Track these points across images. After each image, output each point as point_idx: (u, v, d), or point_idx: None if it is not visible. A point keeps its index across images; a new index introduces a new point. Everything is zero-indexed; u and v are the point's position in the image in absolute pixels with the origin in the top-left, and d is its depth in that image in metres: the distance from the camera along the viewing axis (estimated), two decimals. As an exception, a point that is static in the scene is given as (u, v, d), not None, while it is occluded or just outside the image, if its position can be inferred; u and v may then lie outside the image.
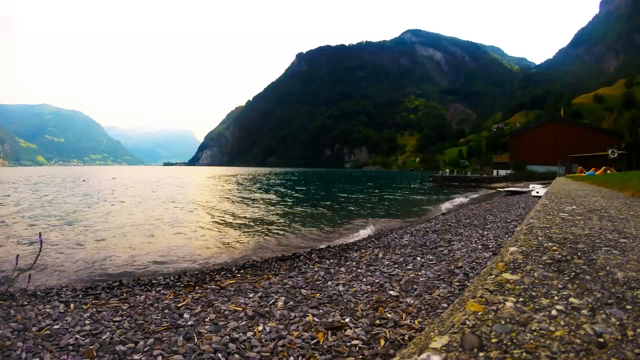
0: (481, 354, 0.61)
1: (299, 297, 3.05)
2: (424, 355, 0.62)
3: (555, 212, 2.54)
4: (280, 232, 8.77)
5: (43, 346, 2.26)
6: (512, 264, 1.16)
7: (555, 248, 1.39)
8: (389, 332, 2.20)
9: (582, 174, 19.41)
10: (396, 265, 4.00)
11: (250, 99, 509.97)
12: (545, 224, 1.99)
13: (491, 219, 7.32)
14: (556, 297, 0.87)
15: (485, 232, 5.69)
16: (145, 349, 2.18)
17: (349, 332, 2.24)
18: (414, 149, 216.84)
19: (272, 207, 14.77)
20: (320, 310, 2.66)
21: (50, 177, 46.62)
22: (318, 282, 3.54)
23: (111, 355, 2.12)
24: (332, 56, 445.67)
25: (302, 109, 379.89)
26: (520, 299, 0.86)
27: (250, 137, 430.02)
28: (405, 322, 2.33)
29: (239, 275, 4.32)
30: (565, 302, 0.84)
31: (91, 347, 2.23)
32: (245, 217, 11.57)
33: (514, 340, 0.66)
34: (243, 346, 2.15)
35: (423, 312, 2.49)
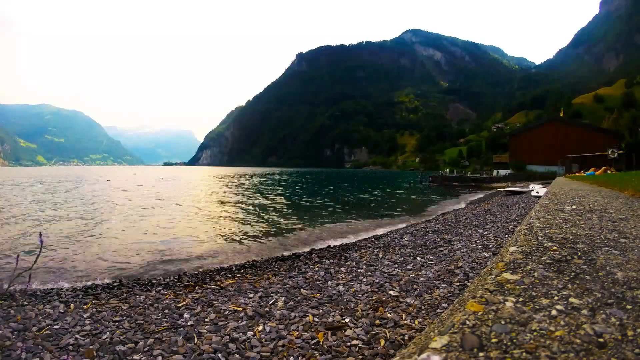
0: (481, 354, 0.61)
1: (299, 297, 3.05)
2: (424, 355, 0.62)
3: (555, 212, 2.54)
4: (280, 232, 8.77)
5: (43, 346, 2.26)
6: (512, 264, 1.16)
7: (555, 248, 1.39)
8: (389, 332, 2.20)
9: (582, 174, 19.42)
10: (396, 265, 4.00)
11: (250, 99, 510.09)
12: (545, 224, 1.99)
13: (491, 219, 7.32)
14: (556, 297, 0.87)
15: (485, 232, 5.69)
16: (145, 349, 2.18)
17: (349, 332, 2.24)
18: (414, 149, 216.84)
19: (272, 207, 14.77)
20: (320, 310, 2.66)
21: (51, 177, 46.63)
22: (318, 282, 3.54)
23: (111, 355, 2.12)
24: (332, 56, 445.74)
25: (302, 109, 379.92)
26: (520, 299, 0.86)
27: (250, 137, 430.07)
28: (405, 322, 2.33)
29: (239, 275, 4.32)
30: (565, 302, 0.84)
31: (91, 347, 2.23)
32: (245, 217, 11.57)
33: (514, 340, 0.66)
34: (243, 346, 2.15)
35: (423, 312, 2.49)
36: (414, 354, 0.65)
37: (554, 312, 0.78)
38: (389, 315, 2.46)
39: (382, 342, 2.07)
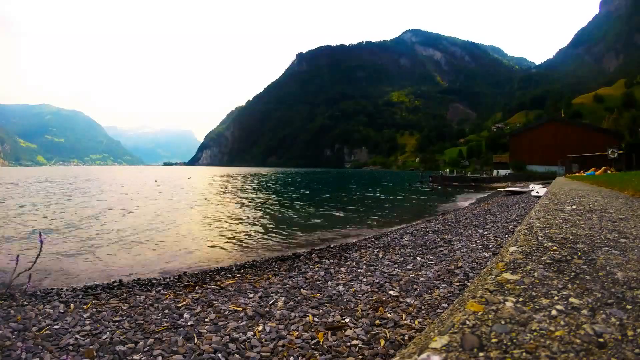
0: (481, 354, 0.61)
1: (299, 297, 3.05)
2: (424, 355, 0.62)
3: (555, 212, 2.54)
4: (280, 232, 8.77)
5: (43, 346, 2.26)
6: (512, 264, 1.16)
7: (555, 248, 1.39)
8: (389, 332, 2.20)
9: (582, 174, 19.42)
10: (396, 265, 4.00)
11: (250, 99, 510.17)
12: (545, 224, 1.99)
13: (491, 219, 7.32)
14: (556, 297, 0.87)
15: (485, 232, 5.69)
16: (145, 349, 2.18)
17: (349, 332, 2.24)
18: (414, 149, 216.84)
19: (272, 207, 14.78)
20: (320, 310, 2.66)
21: (52, 177, 46.63)
22: (318, 282, 3.54)
23: (111, 355, 2.12)
24: (332, 56, 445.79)
25: (302, 109, 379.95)
26: (520, 299, 0.86)
27: (250, 137, 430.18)
28: (405, 322, 2.33)
29: (239, 275, 4.32)
30: (565, 302, 0.84)
31: (91, 347, 2.23)
32: (245, 217, 11.57)
33: (514, 340, 0.66)
34: (243, 346, 2.15)
35: (423, 312, 2.49)
36: (414, 354, 0.65)
37: (554, 312, 0.78)
38: (389, 315, 2.46)
39: (382, 342, 2.07)
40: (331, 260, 4.76)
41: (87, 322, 2.68)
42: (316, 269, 4.26)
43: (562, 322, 0.73)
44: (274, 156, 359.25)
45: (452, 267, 3.67)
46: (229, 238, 7.94)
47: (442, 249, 4.73)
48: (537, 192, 11.91)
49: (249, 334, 2.31)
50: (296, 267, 4.58)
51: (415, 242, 5.54)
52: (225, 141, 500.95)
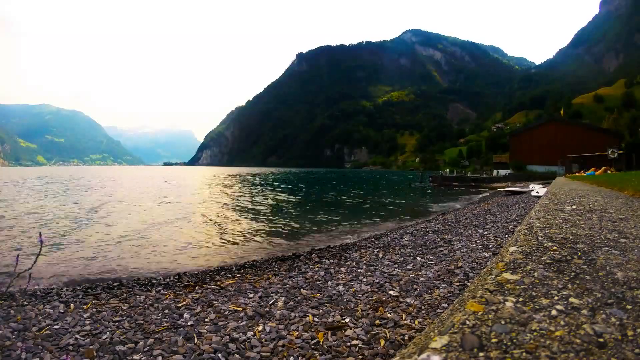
0: (481, 354, 0.61)
1: (299, 297, 3.05)
2: (424, 355, 0.62)
3: (555, 212, 2.54)
4: (281, 232, 8.77)
5: (43, 346, 2.26)
6: (512, 264, 1.16)
7: (555, 248, 1.39)
8: (389, 332, 2.20)
9: (582, 174, 19.43)
10: (396, 265, 4.00)
11: (250, 99, 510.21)
12: (545, 224, 1.99)
13: (491, 219, 7.32)
14: (556, 297, 0.87)
15: (485, 232, 5.69)
16: (145, 349, 2.18)
17: (349, 332, 2.24)
18: (414, 149, 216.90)
19: (272, 207, 14.78)
20: (320, 310, 2.66)
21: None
22: (318, 282, 3.54)
23: (111, 355, 2.12)
24: (332, 56, 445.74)
25: (302, 109, 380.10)
26: (520, 299, 0.86)
27: (250, 137, 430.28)
28: (405, 322, 2.33)
29: (239, 275, 4.32)
30: (565, 302, 0.84)
31: (91, 347, 2.23)
32: (245, 217, 11.57)
33: (514, 340, 0.66)
34: (243, 346, 2.15)
35: (423, 312, 2.49)
36: (414, 354, 0.65)
37: (554, 312, 0.78)
38: (389, 315, 2.46)
39: (382, 342, 2.07)
40: (331, 260, 4.76)
41: (87, 322, 2.67)
42: (316, 269, 4.26)
43: (562, 322, 0.73)
44: (274, 156, 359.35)
45: (452, 267, 3.67)
46: (229, 238, 7.94)
47: (442, 249, 4.73)
48: (537, 192, 11.91)
49: (249, 334, 2.31)
50: (296, 267, 4.58)
51: (415, 242, 5.54)
52: (225, 141, 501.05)
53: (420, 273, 3.55)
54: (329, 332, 2.26)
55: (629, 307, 0.81)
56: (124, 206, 14.10)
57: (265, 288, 3.44)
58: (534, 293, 0.90)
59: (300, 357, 1.98)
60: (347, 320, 2.42)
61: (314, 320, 2.45)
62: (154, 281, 4.26)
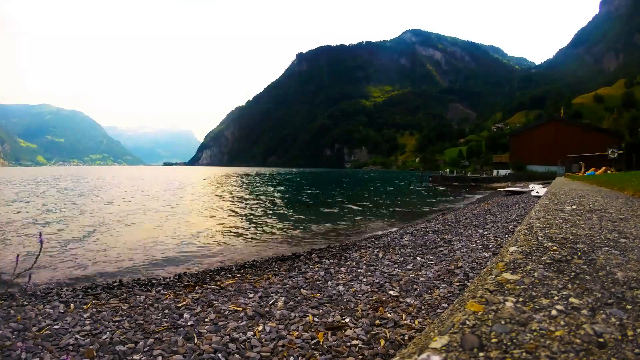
0: (481, 354, 0.61)
1: (299, 297, 3.05)
2: (424, 355, 0.62)
3: (555, 212, 2.54)
4: (280, 232, 8.77)
5: (43, 346, 2.26)
6: (512, 264, 1.16)
7: (555, 248, 1.39)
8: (389, 332, 2.20)
9: (582, 174, 19.43)
10: (396, 265, 4.00)
11: (250, 99, 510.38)
12: (545, 224, 1.99)
13: (491, 219, 7.32)
14: (556, 297, 0.87)
15: (485, 232, 5.69)
16: (145, 349, 2.18)
17: (349, 332, 2.24)
18: (414, 149, 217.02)
19: (272, 207, 14.78)
20: (320, 310, 2.66)
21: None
22: (318, 282, 3.54)
23: (111, 355, 2.12)
24: (332, 56, 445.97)
25: (302, 109, 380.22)
26: (520, 299, 0.86)
27: (250, 137, 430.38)
28: (405, 322, 2.33)
29: (239, 275, 4.32)
30: (565, 302, 0.84)
31: (91, 347, 2.23)
32: (245, 217, 11.57)
33: (514, 340, 0.66)
34: (243, 346, 2.15)
35: (423, 312, 2.49)
36: (414, 354, 0.65)
37: (554, 312, 0.78)
38: (389, 315, 2.46)
39: (382, 342, 2.07)
40: (331, 260, 4.76)
41: (87, 322, 2.67)
42: (316, 269, 4.26)
43: (562, 322, 0.73)
44: (274, 156, 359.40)
45: (452, 267, 3.67)
46: (229, 238, 7.94)
47: (442, 249, 4.73)
48: (537, 192, 11.90)
49: (249, 334, 2.31)
50: (296, 267, 4.58)
51: (415, 242, 5.54)
52: (225, 141, 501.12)
53: (420, 273, 3.54)
54: (329, 332, 2.26)
55: (629, 307, 0.81)
56: (124, 206, 14.10)
57: (265, 288, 3.44)
58: (534, 293, 0.90)
59: (300, 357, 1.98)
60: (347, 320, 2.42)
61: (314, 320, 2.45)
62: (154, 281, 4.26)
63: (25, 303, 3.19)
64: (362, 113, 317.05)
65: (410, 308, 2.58)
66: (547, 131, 43.57)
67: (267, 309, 2.78)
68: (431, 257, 4.25)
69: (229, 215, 11.90)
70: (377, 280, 3.39)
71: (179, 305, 3.02)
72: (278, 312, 2.68)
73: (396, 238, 6.21)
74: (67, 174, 62.70)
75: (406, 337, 2.10)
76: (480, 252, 4.21)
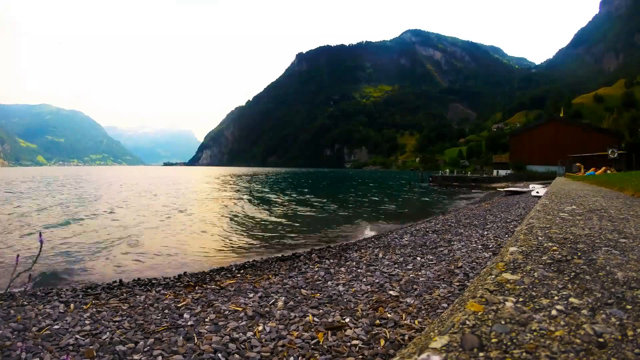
0: (481, 354, 0.61)
1: (299, 297, 3.05)
2: (424, 355, 0.62)
3: (555, 212, 2.54)
4: (280, 232, 8.77)
5: (43, 346, 2.26)
6: (512, 264, 1.16)
7: (555, 248, 1.39)
8: (389, 332, 2.20)
9: (582, 174, 19.43)
10: (396, 265, 4.00)
11: (250, 99, 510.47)
12: (545, 224, 1.99)
13: (491, 219, 7.32)
14: (556, 297, 0.87)
15: (485, 232, 5.69)
16: (145, 349, 2.18)
17: (349, 332, 2.24)
18: (414, 149, 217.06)
19: (272, 207, 14.77)
20: (320, 310, 2.66)
21: (55, 177, 46.63)
22: (318, 282, 3.54)
23: (111, 355, 2.12)
24: (332, 56, 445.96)
25: (302, 109, 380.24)
26: (520, 299, 0.86)
27: (250, 137, 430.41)
28: (405, 322, 2.33)
29: (239, 275, 4.32)
30: (565, 302, 0.84)
31: (91, 347, 2.23)
32: (245, 217, 11.57)
33: (514, 340, 0.66)
34: (243, 346, 2.15)
35: (423, 312, 2.49)
36: (414, 354, 0.65)
37: (554, 312, 0.78)
38: (389, 315, 2.46)
39: (382, 342, 2.07)
40: (331, 260, 4.76)
41: (87, 322, 2.67)
42: (316, 269, 4.26)
43: (562, 322, 0.73)
44: (274, 156, 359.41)
45: (452, 267, 3.67)
46: (229, 238, 7.94)
47: (442, 249, 4.73)
48: (537, 192, 11.90)
49: (249, 334, 2.31)
50: (296, 267, 4.58)
51: (415, 242, 5.54)
52: (225, 141, 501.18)
53: (420, 273, 3.54)
54: (329, 332, 2.26)
55: (629, 307, 0.81)
56: (123, 206, 14.10)
57: (265, 288, 3.44)
58: (534, 293, 0.90)
59: (300, 357, 1.98)
60: (347, 320, 2.42)
61: (314, 320, 2.45)
62: (154, 281, 4.26)
63: (25, 303, 3.19)
64: (362, 113, 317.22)
65: (410, 308, 2.58)
66: (547, 131, 43.56)
67: (267, 309, 2.78)
68: (431, 257, 4.25)
69: (228, 215, 11.90)
70: (377, 280, 3.39)
71: (179, 305, 3.02)
72: (278, 312, 2.68)
73: (396, 238, 6.21)
74: (68, 174, 62.71)
75: (406, 337, 2.10)
76: (480, 252, 4.21)
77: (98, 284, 4.14)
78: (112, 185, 29.71)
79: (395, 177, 67.92)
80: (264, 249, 6.89)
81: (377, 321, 2.36)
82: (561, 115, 60.11)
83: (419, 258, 4.28)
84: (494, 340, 0.66)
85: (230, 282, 3.87)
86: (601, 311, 0.79)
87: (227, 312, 2.76)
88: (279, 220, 11.07)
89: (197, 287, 3.69)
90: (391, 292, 2.98)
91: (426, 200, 19.23)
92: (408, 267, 3.88)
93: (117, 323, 2.65)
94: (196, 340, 2.25)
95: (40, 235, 1.42)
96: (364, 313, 2.54)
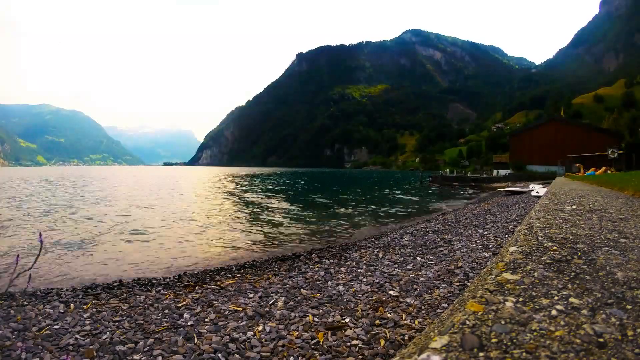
0: (481, 354, 0.61)
1: (299, 297, 3.05)
2: (424, 355, 0.62)
3: (555, 212, 2.54)
4: (281, 232, 8.76)
5: (43, 346, 2.26)
6: (512, 264, 1.16)
7: (555, 248, 1.39)
8: (389, 332, 2.20)
9: (582, 174, 19.43)
10: (396, 265, 4.00)
11: (250, 99, 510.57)
12: (545, 224, 1.99)
13: (491, 219, 7.32)
14: (556, 297, 0.87)
15: (485, 232, 5.69)
16: (145, 349, 2.18)
17: (349, 332, 2.24)
18: (414, 149, 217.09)
19: (272, 207, 14.77)
20: (320, 310, 2.66)
21: (55, 177, 46.63)
22: (318, 282, 3.54)
23: (111, 355, 2.12)
24: (332, 56, 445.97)
25: (302, 109, 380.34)
26: (520, 299, 0.86)
27: (250, 137, 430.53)
28: (405, 322, 2.33)
29: (239, 275, 4.32)
30: (565, 302, 0.84)
31: (91, 347, 2.23)
32: (245, 217, 11.57)
33: (514, 340, 0.66)
34: (243, 346, 2.15)
35: (423, 312, 2.49)
36: (414, 354, 0.65)
37: (554, 312, 0.78)
38: (389, 315, 2.46)
39: (382, 342, 2.07)
40: (331, 260, 4.76)
41: (87, 322, 2.67)
42: (316, 269, 4.26)
43: (562, 322, 0.73)
44: (274, 156, 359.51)
45: (452, 267, 3.67)
46: (229, 238, 7.94)
47: (442, 249, 4.73)
48: (537, 192, 11.90)
49: (249, 334, 2.31)
50: (296, 267, 4.58)
51: (415, 242, 5.54)
52: (225, 141, 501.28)
53: (420, 273, 3.54)
54: (329, 332, 2.26)
55: (629, 307, 0.81)
56: (123, 206, 14.10)
57: (265, 288, 3.44)
58: (534, 293, 0.90)
59: (300, 357, 1.98)
60: (347, 320, 2.42)
61: (314, 320, 2.45)
62: (154, 281, 4.26)
63: (25, 303, 3.19)
64: (362, 113, 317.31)
65: (410, 308, 2.58)
66: (547, 131, 43.56)
67: (267, 309, 2.78)
68: (431, 257, 4.25)
69: (228, 215, 11.89)
70: (377, 280, 3.39)
71: (179, 305, 3.02)
72: (278, 312, 2.68)
73: (396, 238, 6.21)
74: (68, 173, 62.74)
75: (406, 337, 2.10)
76: (480, 252, 4.21)
77: (98, 284, 4.14)
78: (112, 185, 29.72)
79: (395, 177, 67.93)
80: (264, 249, 6.89)
81: (377, 321, 2.36)
82: (561, 115, 60.14)
83: (419, 258, 4.28)
84: (494, 340, 0.66)
85: (230, 282, 3.87)
86: (601, 311, 0.79)
87: (227, 312, 2.76)
88: (279, 220, 11.07)
89: (197, 287, 3.69)
90: (391, 292, 2.98)
91: (425, 200, 19.24)
92: (408, 267, 3.88)
93: (117, 323, 2.64)
94: (196, 340, 2.25)
95: (40, 235, 1.42)
96: (364, 313, 2.54)
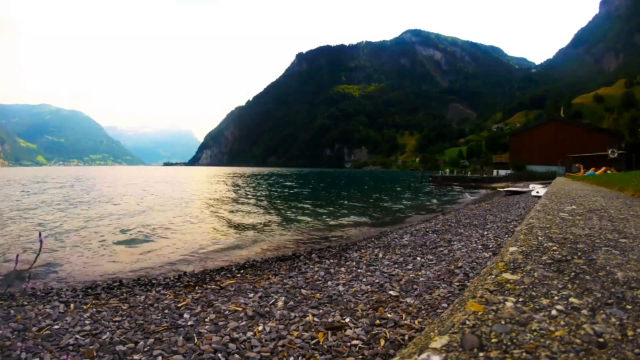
0: (481, 354, 0.61)
1: (299, 297, 3.05)
2: (424, 355, 0.62)
3: (555, 212, 2.54)
4: (281, 232, 8.76)
5: (43, 346, 2.26)
6: (512, 264, 1.16)
7: (555, 248, 1.39)
8: (389, 332, 2.20)
9: (581, 174, 19.43)
10: (396, 265, 4.00)
11: (250, 99, 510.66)
12: (545, 224, 1.99)
13: (491, 219, 7.32)
14: (556, 297, 0.87)
15: (485, 232, 5.69)
16: (145, 349, 2.18)
17: (349, 332, 2.24)
18: (414, 149, 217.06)
19: (272, 208, 14.77)
20: (320, 310, 2.66)
21: (55, 177, 46.62)
22: (318, 282, 3.54)
23: (111, 355, 2.12)
24: (332, 56, 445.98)
25: (302, 109, 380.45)
26: (520, 299, 0.86)
27: (250, 137, 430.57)
28: (405, 322, 2.33)
29: (239, 275, 4.32)
30: (565, 302, 0.84)
31: (91, 347, 2.23)
32: (245, 217, 11.57)
33: (514, 340, 0.66)
34: (243, 346, 2.15)
35: (423, 312, 2.49)
36: (414, 354, 0.65)
37: (554, 312, 0.78)
38: (389, 315, 2.46)
39: (382, 342, 2.07)
40: (331, 260, 4.76)
41: (87, 322, 2.67)
42: (316, 269, 4.26)
43: (562, 322, 0.73)
44: (274, 156, 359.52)
45: (452, 267, 3.67)
46: (229, 238, 7.94)
47: (442, 249, 4.73)
48: (537, 192, 11.90)
49: (249, 334, 2.31)
50: (296, 267, 4.58)
51: (415, 242, 5.54)
52: (225, 141, 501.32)
53: (420, 273, 3.54)
54: (329, 332, 2.26)
55: (629, 307, 0.81)
56: (123, 206, 14.10)
57: (265, 288, 3.44)
58: (534, 293, 0.90)
59: (300, 357, 1.98)
60: (347, 320, 2.42)
61: (314, 320, 2.45)
62: (154, 281, 4.26)
63: (25, 303, 3.19)
64: (362, 113, 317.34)
65: (410, 308, 2.58)
66: (547, 131, 43.58)
67: (267, 309, 2.78)
68: (431, 257, 4.25)
69: (228, 216, 11.89)
70: (377, 280, 3.39)
71: (179, 305, 3.02)
72: (278, 312, 2.68)
73: (396, 238, 6.21)
74: (68, 173, 62.75)
75: (406, 337, 2.10)
76: (480, 252, 4.21)
77: (98, 284, 4.14)
78: (113, 185, 29.72)
79: (395, 177, 67.96)
80: (264, 249, 6.89)
81: (377, 321, 2.36)
82: (561, 115, 60.15)
83: (419, 258, 4.28)
84: (494, 340, 0.66)
85: (230, 282, 3.87)
86: (601, 311, 0.79)
87: (227, 312, 2.76)
88: (279, 219, 11.07)
89: (197, 287, 3.69)
90: (391, 292, 2.98)
91: (425, 200, 19.25)
92: (408, 267, 3.88)
93: (117, 323, 2.65)
94: (196, 340, 2.25)
95: (40, 235, 1.42)
96: (364, 313, 2.54)
